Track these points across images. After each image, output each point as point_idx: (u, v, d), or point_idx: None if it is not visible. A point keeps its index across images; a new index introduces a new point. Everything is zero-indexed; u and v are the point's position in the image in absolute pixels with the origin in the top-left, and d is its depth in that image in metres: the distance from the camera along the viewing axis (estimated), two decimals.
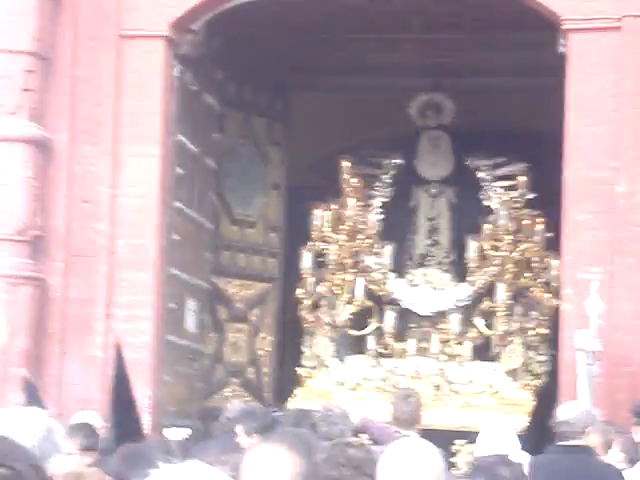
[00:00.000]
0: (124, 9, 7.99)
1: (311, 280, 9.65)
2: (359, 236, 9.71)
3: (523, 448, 5.53)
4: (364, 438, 5.59)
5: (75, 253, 7.92)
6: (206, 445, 5.41)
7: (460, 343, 9.48)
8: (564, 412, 5.11)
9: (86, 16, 7.97)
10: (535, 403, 6.41)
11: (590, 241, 7.49)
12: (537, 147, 9.35)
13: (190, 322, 8.81)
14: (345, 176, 9.75)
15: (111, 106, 7.97)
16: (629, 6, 7.44)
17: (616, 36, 7.46)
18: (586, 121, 7.53)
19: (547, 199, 8.70)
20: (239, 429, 5.60)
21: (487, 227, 9.61)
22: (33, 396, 6.20)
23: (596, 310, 6.90)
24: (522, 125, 10.12)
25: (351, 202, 9.68)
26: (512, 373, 9.35)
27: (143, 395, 7.81)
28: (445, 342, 9.50)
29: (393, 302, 9.64)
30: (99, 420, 5.98)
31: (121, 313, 7.90)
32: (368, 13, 9.15)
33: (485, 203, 9.85)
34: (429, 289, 9.73)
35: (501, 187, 9.85)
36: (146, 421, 7.43)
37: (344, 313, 9.55)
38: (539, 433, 5.94)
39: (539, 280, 9.60)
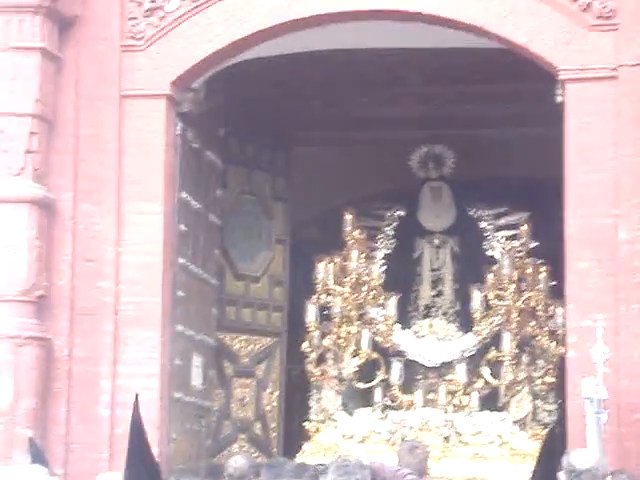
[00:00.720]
0: (125, 69, 8.09)
1: (316, 333, 9.66)
2: (363, 288, 9.74)
3: None
4: None
5: (80, 312, 7.94)
6: None
7: (467, 394, 9.47)
8: (581, 460, 5.06)
9: (87, 77, 8.07)
10: (540, 451, 6.37)
11: (594, 288, 7.50)
12: (538, 196, 9.42)
13: (196, 378, 8.81)
14: (348, 228, 9.81)
15: (114, 165, 8.04)
16: (625, 55, 7.52)
17: (613, 85, 7.54)
18: (586, 169, 7.59)
19: (550, 247, 8.74)
20: None
21: (491, 277, 9.65)
22: (38, 457, 6.18)
23: (602, 357, 6.90)
24: (522, 174, 10.20)
25: (354, 254, 9.73)
26: (520, 423, 9.33)
27: None
28: (452, 393, 9.48)
29: (399, 354, 9.65)
30: None
31: (127, 371, 7.90)
32: (368, 68, 9.27)
33: (488, 253, 9.90)
34: (435, 340, 9.74)
35: (503, 236, 9.92)
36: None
37: (350, 366, 9.55)
38: None
39: (544, 328, 9.61)
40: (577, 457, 5.16)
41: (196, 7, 8.09)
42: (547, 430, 7.86)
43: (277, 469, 5.89)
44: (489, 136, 10.13)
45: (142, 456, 5.46)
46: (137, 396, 5.89)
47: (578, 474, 5.02)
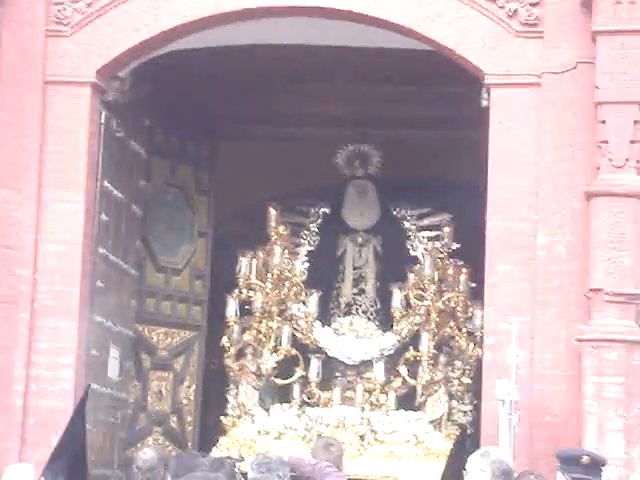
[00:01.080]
0: (50, 55, 7.97)
1: (236, 328, 9.63)
2: (285, 284, 9.74)
3: None
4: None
5: None
6: None
7: (385, 392, 9.52)
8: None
9: (11, 61, 7.92)
10: (451, 451, 6.46)
11: (511, 292, 7.60)
12: (461, 198, 9.51)
13: (113, 370, 8.72)
14: (272, 224, 9.80)
15: (36, 151, 7.91)
16: (549, 63, 7.62)
17: (536, 91, 7.64)
18: (507, 173, 7.68)
19: (471, 249, 8.83)
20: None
21: (412, 276, 9.71)
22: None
23: (516, 360, 6.99)
24: (446, 176, 10.29)
25: (277, 250, 9.72)
26: (436, 423, 9.41)
27: None
28: (370, 391, 9.53)
29: (319, 351, 9.66)
30: (32, 473, 5.86)
31: (42, 361, 7.79)
32: (294, 64, 9.26)
33: (410, 253, 9.97)
34: (354, 338, 9.78)
35: (426, 237, 9.99)
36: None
37: (269, 362, 9.54)
38: None
39: (463, 330, 9.70)
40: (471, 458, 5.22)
41: None
42: (459, 430, 7.92)
43: (186, 461, 5.86)
44: (415, 137, 10.19)
45: (75, 446, 5.41)
46: (89, 386, 5.82)
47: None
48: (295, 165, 10.45)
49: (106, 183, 8.33)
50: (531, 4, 7.71)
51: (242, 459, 6.73)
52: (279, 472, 5.25)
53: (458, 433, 7.81)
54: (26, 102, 7.92)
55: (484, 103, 7.78)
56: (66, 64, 7.97)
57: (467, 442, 7.45)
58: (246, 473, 5.58)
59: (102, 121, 8.16)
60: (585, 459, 5.48)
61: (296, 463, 5.93)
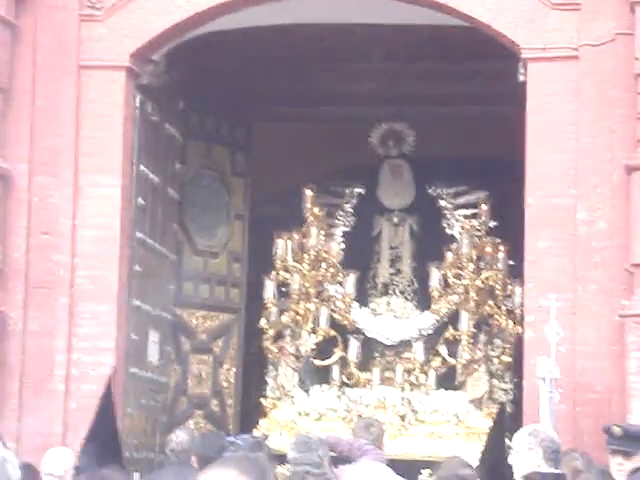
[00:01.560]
0: (84, 39, 7.97)
1: (274, 310, 9.62)
2: (322, 265, 9.70)
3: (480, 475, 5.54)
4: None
5: (35, 285, 7.83)
6: (158, 476, 5.37)
7: (424, 372, 9.47)
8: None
9: (45, 46, 7.93)
10: (491, 429, 6.41)
11: (551, 268, 7.52)
12: (498, 175, 9.42)
13: (153, 354, 8.74)
14: (308, 205, 9.76)
15: (71, 137, 7.92)
16: (586, 36, 7.52)
17: (574, 65, 7.54)
18: (546, 149, 7.59)
19: (509, 227, 8.75)
20: (193, 459, 5.56)
21: (449, 255, 9.65)
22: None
23: (556, 337, 6.93)
24: (483, 153, 10.19)
25: (314, 231, 9.68)
26: (477, 402, 9.36)
27: None
28: (409, 371, 9.49)
29: (357, 331, 9.63)
30: (72, 457, 5.89)
31: (82, 345, 7.82)
32: (329, 44, 9.20)
33: (447, 231, 9.90)
34: (392, 318, 9.73)
35: (463, 215, 9.91)
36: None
37: (308, 343, 9.52)
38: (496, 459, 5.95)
39: (503, 308, 9.63)
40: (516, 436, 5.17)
41: None
42: (498, 409, 7.87)
43: (213, 440, 5.85)
44: (451, 114, 10.10)
45: (107, 430, 5.42)
46: (113, 369, 5.82)
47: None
48: (330, 145, 10.40)
49: (142, 167, 8.32)
50: None
51: (266, 437, 6.73)
52: (319, 451, 5.26)
53: (497, 411, 7.75)
54: (61, 87, 7.93)
55: (521, 78, 7.69)
56: (100, 48, 7.97)
57: (506, 420, 7.39)
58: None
59: (137, 105, 8.14)
60: (615, 430, 5.42)
61: (334, 442, 5.94)
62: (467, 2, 7.68)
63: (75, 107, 7.93)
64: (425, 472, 8.58)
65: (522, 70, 7.69)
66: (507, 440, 5.51)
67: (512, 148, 8.01)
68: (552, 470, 4.86)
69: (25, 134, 7.87)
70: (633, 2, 7.27)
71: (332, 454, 5.61)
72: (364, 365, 9.58)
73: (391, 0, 7.86)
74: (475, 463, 5.95)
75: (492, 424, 6.86)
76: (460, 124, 10.13)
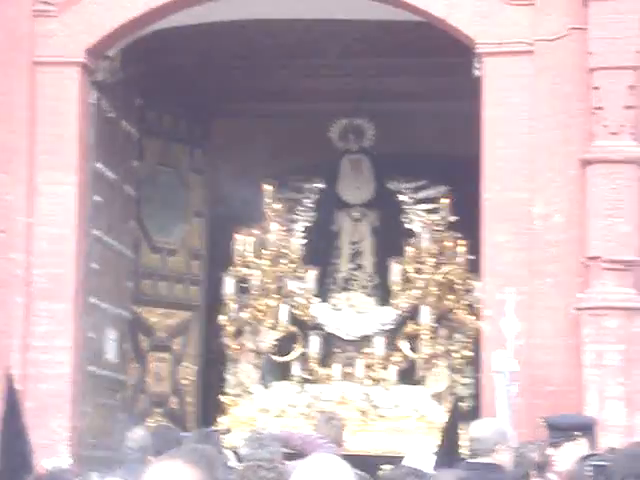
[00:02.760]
0: (38, 35, 7.89)
1: (234, 306, 9.59)
2: (282, 261, 9.68)
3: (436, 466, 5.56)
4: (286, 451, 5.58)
5: None
6: (115, 474, 5.34)
7: (385, 367, 9.48)
8: (475, 430, 5.13)
9: None
10: (447, 421, 6.43)
11: (509, 262, 7.55)
12: (457, 170, 9.43)
13: (111, 352, 8.69)
14: (267, 200, 9.73)
15: (25, 133, 7.84)
16: (541, 31, 7.55)
17: (529, 59, 7.57)
18: (502, 144, 7.61)
19: (468, 221, 8.76)
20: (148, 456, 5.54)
21: (410, 250, 9.66)
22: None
23: (512, 330, 6.95)
24: (441, 148, 10.22)
25: (274, 227, 9.66)
26: (438, 396, 9.38)
27: (63, 427, 7.68)
28: (370, 366, 9.49)
29: (317, 327, 9.62)
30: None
31: (39, 344, 7.75)
32: (287, 40, 9.18)
33: (407, 226, 9.91)
34: (353, 313, 9.73)
35: (423, 210, 9.92)
36: (67, 454, 7.30)
37: (268, 339, 9.50)
38: (453, 453, 5.97)
39: (462, 302, 9.65)
40: (474, 426, 5.22)
41: None
42: (452, 402, 7.90)
43: (166, 435, 5.84)
44: (409, 109, 10.10)
45: (16, 436, 5.40)
46: (10, 373, 5.79)
47: (469, 442, 5.09)
48: (289, 141, 10.38)
49: (98, 164, 8.26)
50: None
51: (228, 431, 6.71)
52: (270, 448, 5.25)
53: (451, 404, 7.78)
54: (15, 84, 7.85)
55: (477, 73, 7.71)
56: (54, 44, 7.89)
57: (464, 413, 7.41)
58: (236, 447, 5.57)
59: (92, 102, 8.07)
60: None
61: (287, 437, 5.93)
62: None
63: (29, 104, 7.86)
64: (386, 467, 8.58)
65: (477, 65, 7.70)
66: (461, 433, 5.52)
67: (469, 143, 8.02)
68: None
69: None
70: None
71: (285, 450, 5.60)
72: (325, 361, 9.57)
73: None
74: (434, 457, 5.96)
75: (447, 417, 6.90)
76: (418, 119, 10.14)
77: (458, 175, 9.41)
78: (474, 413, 8.09)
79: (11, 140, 7.84)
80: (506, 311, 6.98)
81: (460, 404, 8.24)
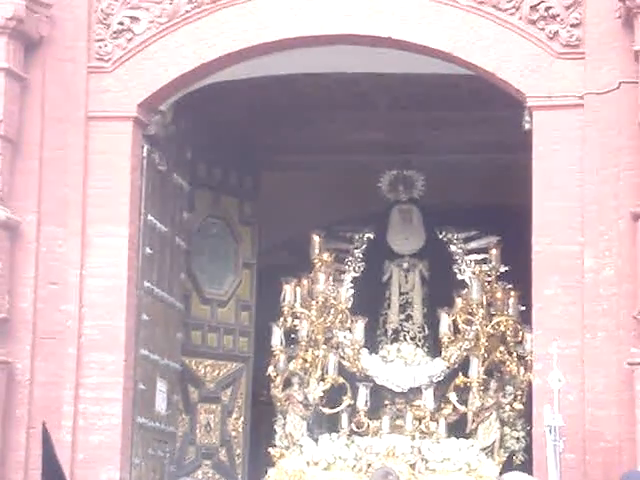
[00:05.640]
0: (92, 91, 8.03)
1: (282, 357, 9.60)
2: (331, 311, 9.69)
3: None
4: None
5: (42, 335, 7.84)
6: None
7: (435, 420, 9.42)
8: None
9: (53, 98, 8.00)
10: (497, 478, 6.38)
11: (559, 315, 7.49)
12: (507, 221, 9.42)
13: (160, 403, 8.72)
14: (316, 251, 9.77)
15: (79, 187, 7.96)
16: (591, 84, 7.54)
17: (579, 112, 7.56)
18: (552, 196, 7.60)
19: (519, 272, 8.73)
20: None
21: (460, 301, 9.62)
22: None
23: (558, 384, 6.89)
24: (491, 200, 10.21)
25: (322, 277, 9.68)
26: (488, 450, 9.29)
27: (112, 479, 7.71)
28: (420, 419, 9.43)
29: (366, 379, 9.58)
30: None
31: (90, 395, 7.81)
32: (337, 93, 9.26)
33: (457, 276, 9.88)
34: (402, 365, 9.69)
35: (473, 260, 9.89)
36: None
37: (316, 391, 9.48)
38: None
39: (513, 354, 9.59)
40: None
41: (165, 29, 8.05)
42: (507, 457, 7.83)
43: None
44: (459, 162, 10.13)
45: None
46: (44, 424, 5.86)
47: None
48: (338, 192, 10.43)
49: (150, 216, 8.36)
50: (572, 25, 7.64)
51: None
52: None
53: (505, 459, 7.72)
54: (69, 138, 7.98)
55: (527, 126, 7.72)
56: (108, 99, 8.03)
57: (516, 469, 7.33)
58: None
59: (144, 155, 8.19)
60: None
61: None
62: (472, 51, 7.72)
63: (83, 158, 7.99)
64: None
65: (528, 118, 7.72)
66: None
67: (519, 195, 8.02)
68: None
69: (33, 185, 7.93)
70: (637, 51, 7.30)
71: None
72: (373, 413, 9.53)
73: (397, 50, 7.91)
74: None
75: (499, 473, 6.84)
76: (469, 171, 10.15)
77: (508, 225, 9.39)
78: (526, 467, 8.00)
79: (65, 194, 7.96)
80: (553, 364, 6.93)
81: (511, 459, 8.16)
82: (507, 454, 9.28)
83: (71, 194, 7.96)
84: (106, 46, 8.08)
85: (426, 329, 9.95)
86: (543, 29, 7.67)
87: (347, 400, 9.51)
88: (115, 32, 8.07)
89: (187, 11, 8.01)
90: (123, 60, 8.07)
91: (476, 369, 9.43)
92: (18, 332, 7.79)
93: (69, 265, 7.91)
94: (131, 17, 8.05)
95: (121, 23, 8.07)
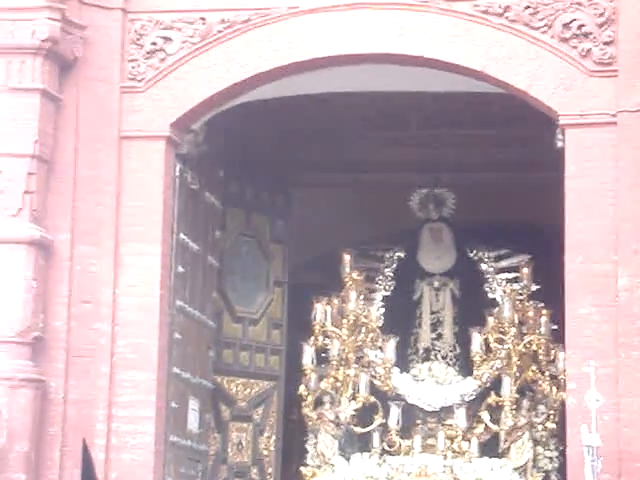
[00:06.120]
0: (125, 110, 8.09)
1: (314, 376, 9.59)
2: (362, 330, 9.68)
3: None
4: None
5: (76, 354, 7.89)
6: None
7: (467, 439, 9.38)
8: None
9: (87, 118, 8.06)
10: None
11: (593, 335, 7.45)
12: (539, 239, 9.38)
13: (193, 422, 8.73)
14: (347, 269, 9.77)
15: (112, 206, 8.02)
16: (624, 101, 7.51)
17: (612, 130, 7.52)
18: (585, 214, 7.56)
19: (551, 291, 8.69)
20: None
21: (491, 319, 9.58)
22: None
23: (595, 404, 6.84)
24: (523, 218, 10.17)
25: (353, 295, 9.68)
26: (521, 469, 9.23)
27: None
28: (452, 438, 9.39)
29: (398, 397, 9.56)
30: None
31: (123, 414, 7.83)
32: (368, 111, 9.28)
33: (489, 295, 9.85)
34: (434, 384, 9.66)
35: (504, 279, 9.86)
36: None
37: (348, 410, 9.47)
38: None
39: (546, 373, 9.53)
40: None
41: (197, 49, 8.11)
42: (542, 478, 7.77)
43: None
44: (490, 180, 10.11)
45: None
46: (84, 440, 5.87)
47: None
48: (369, 211, 10.43)
49: (182, 235, 8.39)
50: (605, 43, 7.62)
51: None
52: None
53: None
54: (103, 158, 8.05)
55: (559, 144, 7.69)
56: (141, 119, 8.09)
57: None
58: None
59: (177, 174, 8.23)
60: None
61: None
62: (504, 69, 7.72)
63: (116, 177, 8.05)
64: None
65: (560, 136, 7.69)
66: None
67: (551, 213, 7.99)
68: None
69: (67, 204, 7.99)
70: None
71: None
72: (405, 432, 9.50)
73: (428, 68, 7.92)
74: None
75: None
76: (500, 189, 10.12)
77: (539, 244, 9.36)
78: None
79: (99, 212, 8.01)
80: (590, 384, 6.87)
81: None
82: (540, 474, 9.21)
83: (104, 213, 8.01)
84: (139, 66, 8.14)
85: (457, 348, 9.92)
86: (576, 47, 7.65)
87: (379, 419, 9.49)
88: (148, 52, 8.13)
89: (219, 31, 8.07)
90: (156, 80, 8.13)
91: (508, 388, 9.39)
92: (52, 350, 7.84)
93: (102, 284, 7.95)
94: (164, 37, 8.12)
95: (154, 43, 8.13)
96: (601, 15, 7.64)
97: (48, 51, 7.86)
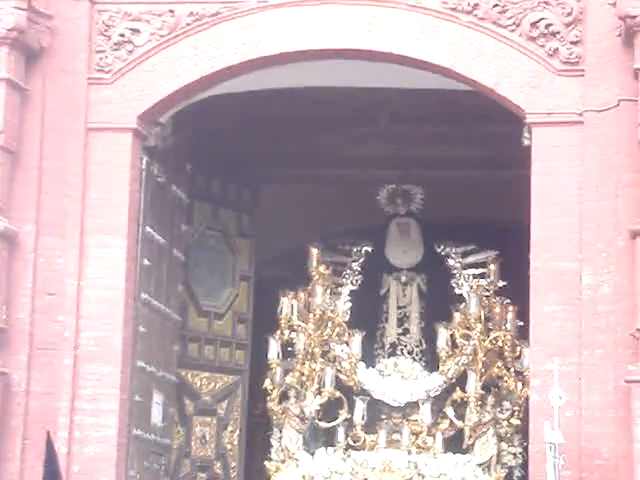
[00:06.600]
0: (92, 102, 8.04)
1: (279, 370, 9.58)
2: (328, 325, 9.68)
3: None
4: None
5: (39, 346, 7.83)
6: None
7: (432, 435, 9.40)
8: None
9: (53, 109, 8.00)
10: None
11: (557, 332, 7.49)
12: (506, 236, 9.42)
13: (156, 415, 8.70)
14: (313, 264, 9.77)
15: (78, 198, 7.96)
16: (591, 101, 7.56)
17: (579, 129, 7.57)
18: (551, 213, 7.60)
19: (517, 287, 8.73)
20: None
21: (458, 315, 9.61)
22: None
23: (559, 401, 6.88)
24: (491, 215, 10.21)
25: (319, 290, 9.68)
26: (485, 465, 9.27)
27: None
28: (416, 434, 9.42)
29: (363, 393, 9.57)
30: None
31: (86, 407, 7.79)
32: (337, 106, 9.27)
33: (455, 291, 9.88)
34: (400, 379, 9.68)
35: (471, 275, 9.89)
36: None
37: (313, 404, 9.47)
38: None
39: (511, 369, 9.57)
40: None
41: (165, 42, 8.07)
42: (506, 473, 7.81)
43: None
44: (457, 177, 10.13)
45: None
46: (49, 433, 5.85)
47: None
48: (337, 206, 10.43)
49: (148, 228, 8.36)
50: (572, 42, 7.66)
51: None
52: None
53: (504, 476, 7.71)
54: (69, 149, 7.99)
55: (526, 142, 7.72)
56: (108, 111, 8.04)
57: None
58: None
59: (143, 167, 8.19)
60: None
61: None
62: (472, 67, 7.74)
63: (82, 169, 7.99)
64: None
65: (527, 134, 7.72)
66: None
67: (517, 211, 8.02)
68: None
69: (32, 195, 7.93)
70: (637, 69, 7.31)
71: None
72: (370, 427, 9.52)
73: (397, 65, 7.92)
74: None
75: None
76: (467, 186, 10.15)
77: (506, 241, 9.39)
78: None
79: (64, 204, 7.96)
80: (554, 381, 6.91)
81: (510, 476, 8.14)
82: (504, 470, 9.26)
83: (70, 205, 7.96)
84: (107, 58, 8.09)
85: (423, 343, 9.95)
86: (543, 46, 7.69)
87: (344, 414, 9.50)
88: (116, 44, 8.08)
89: (188, 24, 8.03)
90: (123, 72, 8.08)
91: (473, 384, 9.42)
92: (15, 343, 7.78)
93: (67, 276, 7.90)
94: (132, 29, 8.07)
95: (122, 35, 8.08)
96: (569, 15, 7.68)
97: (14, 40, 7.78)
